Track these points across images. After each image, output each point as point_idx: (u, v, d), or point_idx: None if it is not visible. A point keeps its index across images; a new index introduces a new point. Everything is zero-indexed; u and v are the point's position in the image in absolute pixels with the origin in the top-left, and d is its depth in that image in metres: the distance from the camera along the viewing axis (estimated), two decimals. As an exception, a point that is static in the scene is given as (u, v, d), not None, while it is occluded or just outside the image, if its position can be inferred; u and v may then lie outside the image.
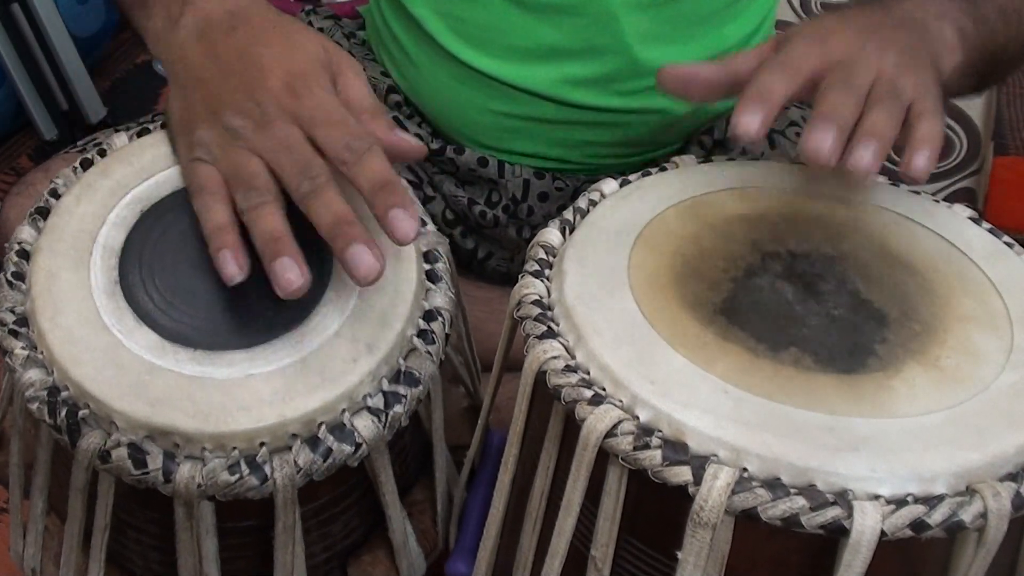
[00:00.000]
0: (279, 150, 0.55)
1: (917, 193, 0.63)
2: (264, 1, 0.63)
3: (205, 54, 0.60)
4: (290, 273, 0.53)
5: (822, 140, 0.53)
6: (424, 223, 0.63)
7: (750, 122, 0.54)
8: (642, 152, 0.90)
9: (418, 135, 0.90)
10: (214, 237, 0.55)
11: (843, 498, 0.45)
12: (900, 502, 0.45)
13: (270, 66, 0.58)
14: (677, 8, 0.82)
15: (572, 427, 0.51)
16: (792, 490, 0.46)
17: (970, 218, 0.61)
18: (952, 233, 0.59)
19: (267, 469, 0.52)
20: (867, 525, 0.44)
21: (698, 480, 0.46)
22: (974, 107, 1.50)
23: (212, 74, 0.59)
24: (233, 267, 0.54)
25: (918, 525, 0.45)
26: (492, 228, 0.92)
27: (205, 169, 0.58)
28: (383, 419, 0.54)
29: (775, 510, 0.45)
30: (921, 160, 0.54)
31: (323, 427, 0.53)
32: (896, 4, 0.64)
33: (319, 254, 0.59)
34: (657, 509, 0.50)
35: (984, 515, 0.45)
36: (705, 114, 0.89)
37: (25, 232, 0.59)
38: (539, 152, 0.89)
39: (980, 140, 1.46)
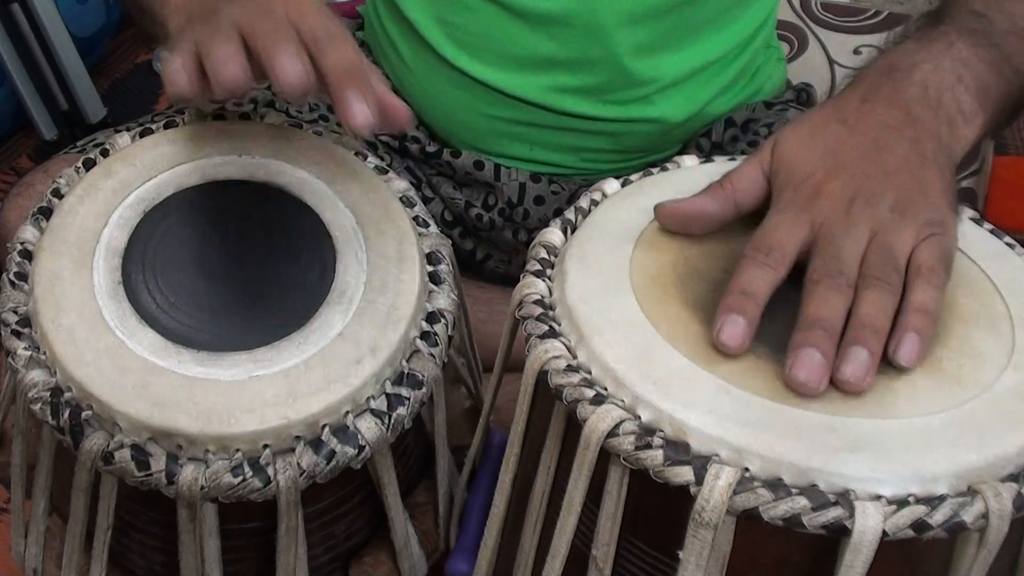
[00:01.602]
0: (255, 17, 0.55)
1: (918, 193, 0.63)
2: None
3: None
4: (293, 68, 0.53)
5: (806, 370, 0.48)
6: (427, 224, 0.63)
7: (734, 334, 0.50)
8: (638, 158, 0.90)
9: (415, 137, 0.90)
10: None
11: (845, 498, 0.45)
12: (901, 502, 0.45)
13: None
14: (669, 21, 0.82)
15: (573, 427, 0.51)
16: (794, 490, 0.46)
17: (970, 218, 0.61)
18: (953, 233, 0.59)
19: (270, 471, 0.52)
20: (868, 525, 0.44)
21: (700, 480, 0.46)
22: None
23: None
24: (183, 80, 0.55)
25: (919, 525, 0.45)
26: (488, 231, 0.93)
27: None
28: (386, 421, 0.54)
29: (777, 510, 0.45)
30: (908, 348, 0.50)
31: (326, 429, 0.53)
32: (908, 72, 0.58)
33: (320, 255, 0.59)
34: (658, 509, 0.50)
35: (985, 516, 0.45)
36: (701, 121, 0.89)
37: (28, 232, 0.59)
38: (534, 156, 0.89)
39: (980, 140, 1.45)
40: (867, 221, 0.52)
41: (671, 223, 0.58)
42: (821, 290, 0.51)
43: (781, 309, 0.54)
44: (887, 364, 0.51)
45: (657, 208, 0.58)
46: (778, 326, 0.53)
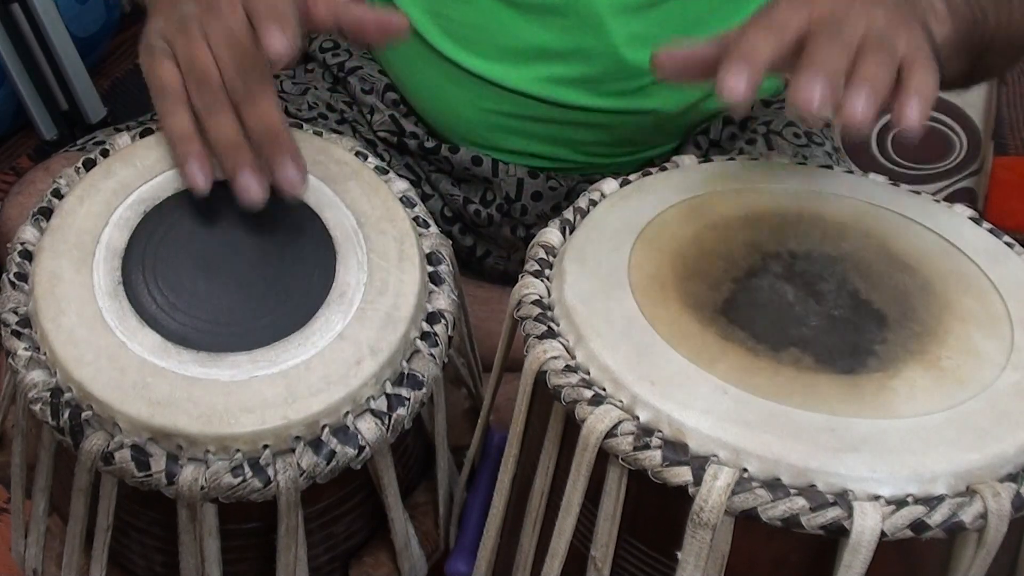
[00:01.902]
0: (222, 44, 0.57)
1: (917, 193, 0.63)
2: None
3: None
4: (251, 187, 0.57)
5: (810, 90, 0.49)
6: (427, 224, 0.63)
7: (735, 85, 0.50)
8: (635, 151, 0.90)
9: (414, 133, 0.91)
10: (178, 146, 0.59)
11: (843, 499, 0.45)
12: (900, 503, 0.45)
13: None
14: (665, 11, 0.82)
15: (572, 427, 0.51)
16: (792, 490, 0.46)
17: (970, 218, 0.61)
18: (952, 233, 0.60)
19: (270, 471, 0.52)
20: (867, 526, 0.45)
21: (698, 480, 0.46)
22: (974, 107, 1.50)
23: None
24: (200, 178, 0.58)
25: (918, 526, 0.45)
26: (487, 227, 0.93)
27: (164, 66, 0.59)
28: (386, 421, 0.54)
29: (775, 511, 0.45)
30: (913, 109, 0.50)
31: (326, 429, 0.53)
32: None
33: (320, 255, 0.59)
34: (657, 509, 0.50)
35: (984, 516, 0.46)
36: (697, 113, 0.89)
37: (28, 232, 0.59)
38: (531, 150, 0.89)
39: (980, 140, 1.46)
40: (863, 18, 0.53)
41: (669, 72, 0.59)
42: (822, 45, 0.51)
43: (780, 309, 0.54)
44: (886, 364, 0.51)
45: (653, 60, 0.59)
46: (776, 326, 0.53)
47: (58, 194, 0.61)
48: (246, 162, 0.57)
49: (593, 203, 0.61)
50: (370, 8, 0.60)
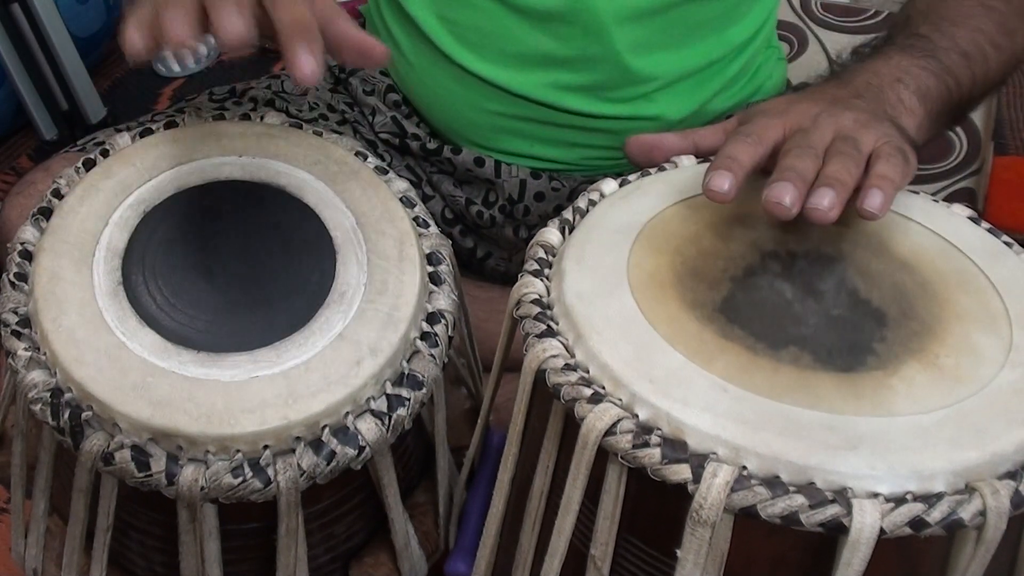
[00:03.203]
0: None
1: (916, 193, 0.63)
2: None
3: None
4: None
5: (782, 192, 0.54)
6: (427, 224, 0.63)
7: (720, 183, 0.56)
8: None
9: (416, 134, 0.91)
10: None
11: (842, 496, 0.45)
12: (899, 500, 0.45)
13: None
14: (668, 19, 0.82)
15: (571, 426, 0.51)
16: (791, 488, 0.46)
17: (969, 218, 0.61)
18: (951, 232, 0.60)
19: (271, 472, 0.52)
20: (866, 523, 0.45)
21: (697, 478, 0.46)
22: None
23: None
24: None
25: (917, 523, 0.45)
26: (489, 228, 0.93)
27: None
28: (386, 422, 0.55)
29: (774, 508, 0.45)
30: (873, 199, 0.55)
31: (327, 430, 0.53)
32: (851, 77, 0.66)
33: (321, 256, 0.59)
34: (656, 507, 0.50)
35: (983, 513, 0.46)
36: (700, 120, 0.89)
37: (28, 232, 0.59)
38: (534, 153, 0.89)
39: (980, 140, 1.46)
40: (832, 126, 0.59)
41: (635, 151, 0.66)
42: (794, 152, 0.57)
43: (779, 307, 0.54)
44: (885, 362, 0.51)
45: (625, 141, 0.66)
46: (775, 324, 0.53)
47: (58, 194, 0.61)
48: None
49: (592, 203, 0.62)
50: (357, 30, 0.60)
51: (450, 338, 0.60)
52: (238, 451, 0.52)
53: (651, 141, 0.66)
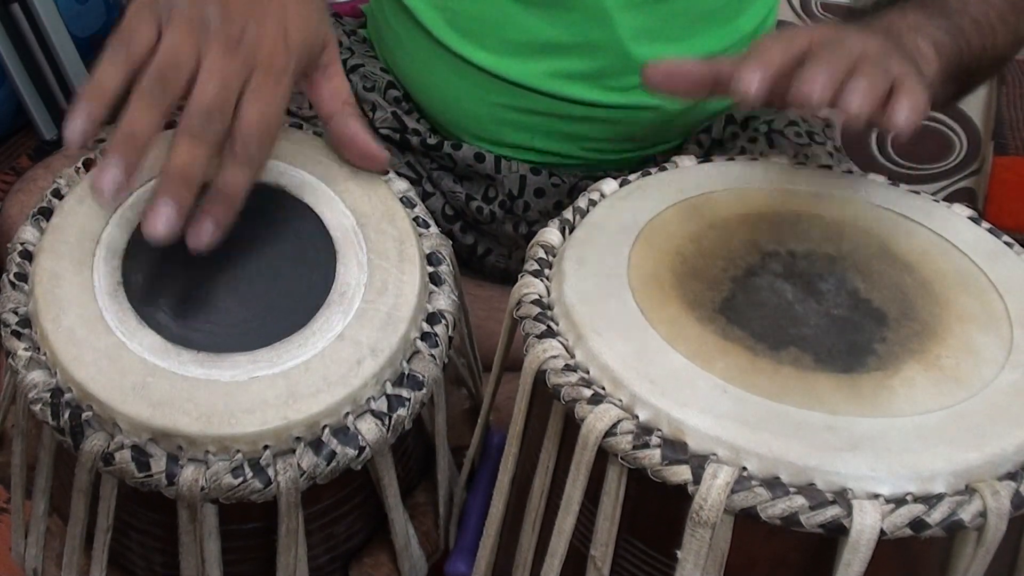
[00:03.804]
0: (214, 69, 0.53)
1: (917, 193, 0.63)
2: None
3: None
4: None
5: (812, 83, 0.54)
6: (427, 224, 0.63)
7: (750, 79, 0.55)
8: (638, 148, 0.90)
9: (416, 130, 0.91)
10: (89, 92, 0.53)
11: (842, 497, 0.45)
12: (899, 501, 0.45)
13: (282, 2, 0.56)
14: (671, 6, 0.82)
15: (571, 426, 0.51)
16: (791, 489, 0.46)
17: (970, 218, 0.61)
18: (952, 232, 0.60)
19: (271, 472, 0.52)
20: (866, 524, 0.45)
21: (697, 479, 0.46)
22: (974, 107, 1.50)
23: None
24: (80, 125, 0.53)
25: (917, 524, 0.45)
26: (489, 224, 0.93)
27: (147, 27, 0.54)
28: (386, 422, 0.54)
29: (774, 509, 0.45)
30: (904, 111, 0.54)
31: (327, 430, 0.53)
32: (875, 18, 0.66)
33: (321, 256, 0.59)
34: (656, 508, 0.50)
35: (983, 514, 0.46)
36: (701, 111, 0.89)
37: (28, 232, 0.59)
38: (535, 145, 0.89)
39: (980, 140, 1.46)
40: (860, 44, 0.58)
41: (654, 78, 0.63)
42: (822, 55, 0.56)
43: (779, 308, 0.54)
44: (885, 363, 0.51)
45: (643, 66, 0.63)
46: (775, 325, 0.53)
47: (58, 194, 0.61)
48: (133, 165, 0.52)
49: (593, 203, 0.62)
50: (365, 133, 0.61)
51: (450, 338, 0.59)
52: (238, 451, 0.52)
53: (671, 68, 0.63)
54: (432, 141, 0.91)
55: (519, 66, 0.84)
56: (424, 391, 0.56)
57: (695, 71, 0.62)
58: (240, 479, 0.52)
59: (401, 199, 0.63)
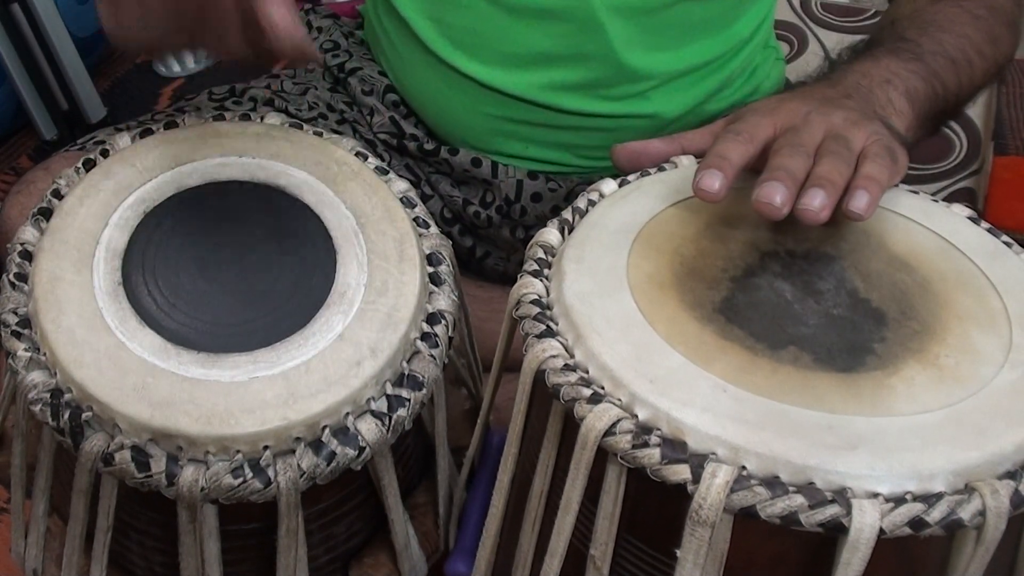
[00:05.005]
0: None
1: (916, 193, 0.63)
2: None
3: None
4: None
5: (772, 192, 0.55)
6: (427, 224, 0.63)
7: (711, 182, 0.56)
8: None
9: (414, 135, 0.91)
10: None
11: (842, 496, 0.45)
12: (899, 500, 0.45)
13: None
14: (664, 17, 0.82)
15: (571, 426, 0.51)
16: (791, 488, 0.46)
17: (969, 218, 0.61)
18: (951, 232, 0.60)
19: (271, 472, 0.52)
20: (866, 523, 0.45)
21: (697, 478, 0.46)
22: (974, 107, 1.49)
23: None
24: None
25: (917, 523, 0.45)
26: (486, 228, 0.93)
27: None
28: (386, 422, 0.55)
29: (774, 508, 0.45)
30: (859, 200, 0.55)
31: (327, 430, 0.53)
32: (841, 77, 0.67)
33: (321, 256, 0.59)
34: (656, 508, 0.50)
35: (983, 513, 0.46)
36: (696, 118, 0.89)
37: (28, 233, 0.59)
38: (531, 154, 0.89)
39: (980, 140, 1.46)
40: (822, 124, 0.59)
41: (621, 158, 0.66)
42: (783, 152, 0.57)
43: (778, 307, 0.54)
44: (885, 362, 0.51)
45: (610, 149, 0.66)
46: (775, 324, 0.53)
47: (58, 194, 0.61)
48: None
49: (592, 203, 0.62)
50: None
51: (450, 338, 0.60)
52: (238, 451, 0.52)
53: (637, 148, 0.66)
54: (429, 146, 0.91)
55: (513, 77, 0.84)
56: (424, 391, 0.56)
57: (661, 150, 0.65)
58: (240, 479, 0.52)
59: (401, 199, 0.63)
